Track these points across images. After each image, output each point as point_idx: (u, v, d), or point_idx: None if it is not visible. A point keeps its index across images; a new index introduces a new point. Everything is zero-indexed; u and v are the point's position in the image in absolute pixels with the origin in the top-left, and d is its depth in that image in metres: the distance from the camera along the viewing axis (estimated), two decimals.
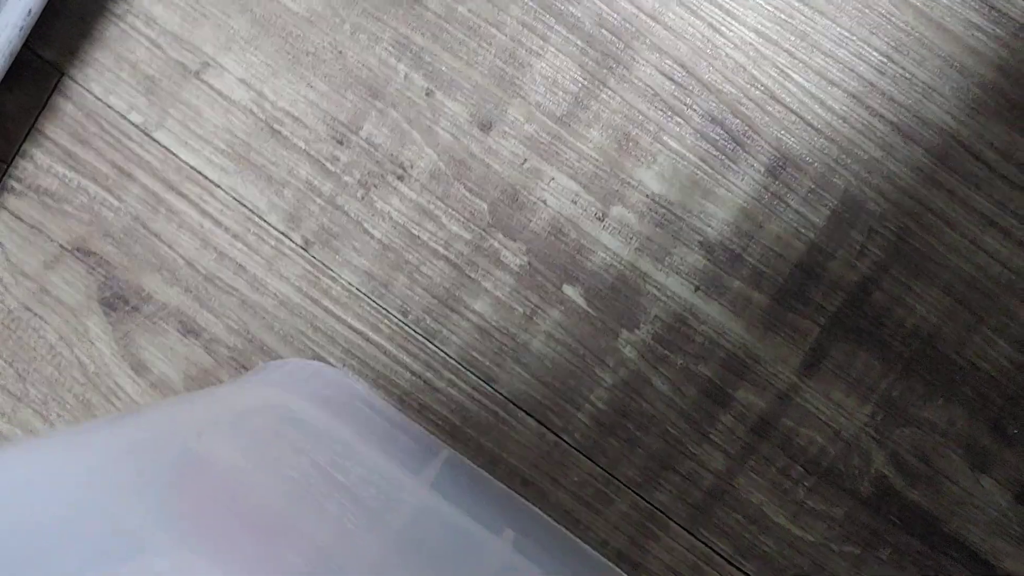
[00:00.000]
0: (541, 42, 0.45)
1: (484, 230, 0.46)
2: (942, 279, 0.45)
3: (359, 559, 0.37)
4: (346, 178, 0.47)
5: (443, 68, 0.46)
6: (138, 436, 0.35)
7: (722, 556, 0.47)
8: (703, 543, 0.47)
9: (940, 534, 0.46)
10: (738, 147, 0.45)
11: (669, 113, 0.45)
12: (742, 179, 0.45)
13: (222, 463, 0.38)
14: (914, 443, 0.46)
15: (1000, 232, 0.44)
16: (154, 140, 0.47)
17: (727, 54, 0.45)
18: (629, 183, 0.46)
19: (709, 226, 0.45)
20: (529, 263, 0.46)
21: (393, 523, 0.40)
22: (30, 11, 0.42)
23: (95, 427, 0.34)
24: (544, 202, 0.46)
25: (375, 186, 0.47)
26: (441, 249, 0.47)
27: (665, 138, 0.45)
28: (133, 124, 0.47)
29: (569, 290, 0.46)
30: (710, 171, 0.45)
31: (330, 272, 0.47)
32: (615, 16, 0.45)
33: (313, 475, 0.41)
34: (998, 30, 0.43)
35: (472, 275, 0.47)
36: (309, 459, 0.41)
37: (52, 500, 0.28)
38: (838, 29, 0.44)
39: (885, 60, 0.44)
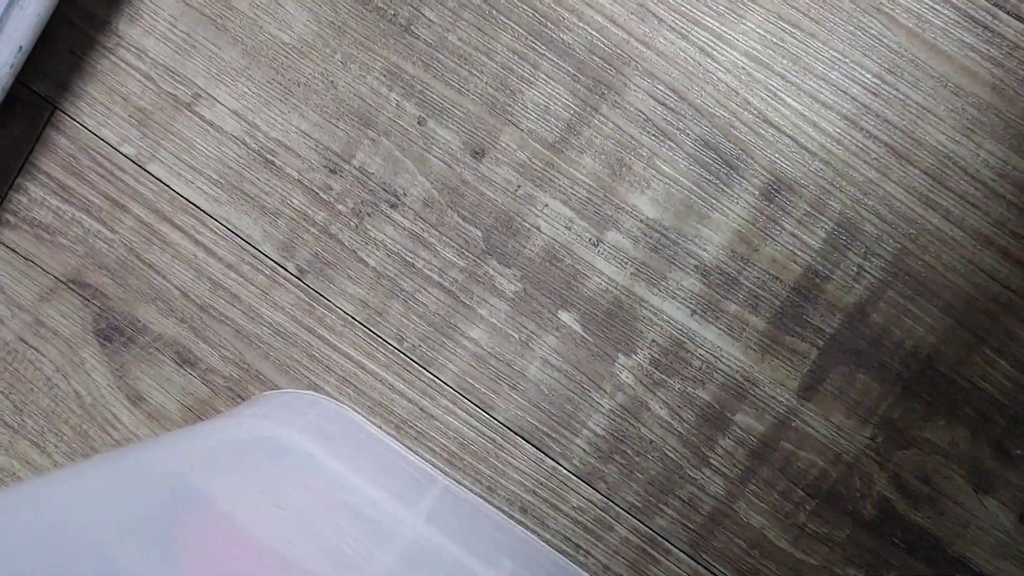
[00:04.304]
0: (532, 69, 0.45)
1: (478, 257, 0.46)
2: (941, 299, 0.45)
3: None
4: (340, 207, 0.47)
5: (435, 96, 0.46)
6: (133, 474, 0.35)
7: None
8: (704, 568, 0.47)
9: (945, 556, 0.46)
10: (732, 171, 0.45)
11: (662, 138, 0.45)
12: (736, 203, 0.45)
13: (219, 499, 0.37)
14: (916, 465, 0.45)
15: (998, 251, 0.44)
16: (147, 172, 0.47)
17: (719, 78, 0.44)
18: (623, 208, 0.45)
19: (704, 250, 0.45)
20: (524, 289, 0.46)
21: (388, 559, 0.40)
22: (21, 48, 0.42)
23: (88, 466, 0.34)
24: (538, 228, 0.46)
25: (369, 215, 0.47)
26: (436, 277, 0.47)
27: (658, 163, 0.45)
28: (126, 156, 0.47)
29: (565, 316, 0.46)
30: (704, 195, 0.45)
31: (325, 301, 0.47)
32: (606, 42, 0.45)
33: (309, 509, 0.40)
34: (992, 50, 0.43)
35: (467, 302, 0.47)
36: (305, 492, 0.41)
37: (49, 544, 0.27)
38: (830, 51, 0.44)
39: (878, 82, 0.44)
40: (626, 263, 0.46)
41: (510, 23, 0.45)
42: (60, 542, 0.28)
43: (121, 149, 0.47)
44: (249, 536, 0.37)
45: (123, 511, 0.32)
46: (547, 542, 0.47)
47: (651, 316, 0.46)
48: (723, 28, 0.44)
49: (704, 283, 0.45)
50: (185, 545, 0.34)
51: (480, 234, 0.46)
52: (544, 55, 0.45)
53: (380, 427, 0.47)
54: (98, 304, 0.48)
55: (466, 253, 0.46)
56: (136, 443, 0.47)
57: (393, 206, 0.46)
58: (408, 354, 0.47)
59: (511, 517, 0.47)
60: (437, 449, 0.47)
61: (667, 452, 0.46)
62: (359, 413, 0.47)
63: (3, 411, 0.49)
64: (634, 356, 0.46)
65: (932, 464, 0.45)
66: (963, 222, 0.44)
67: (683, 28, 0.44)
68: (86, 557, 0.29)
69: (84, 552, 0.29)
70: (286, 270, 0.47)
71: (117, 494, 0.33)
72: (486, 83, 0.45)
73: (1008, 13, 0.43)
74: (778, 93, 0.44)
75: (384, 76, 0.46)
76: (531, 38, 0.45)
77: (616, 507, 0.47)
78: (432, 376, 0.47)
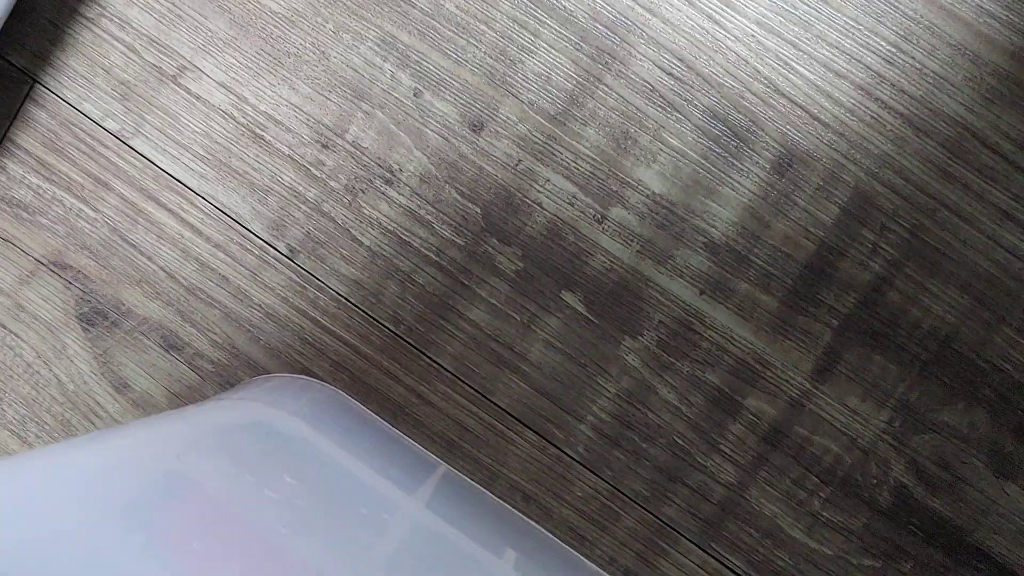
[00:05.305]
0: (532, 38, 0.43)
1: (477, 235, 0.44)
2: (959, 277, 0.43)
3: None
4: (332, 183, 0.45)
5: (431, 67, 0.44)
6: (118, 457, 0.33)
7: (735, 572, 0.45)
8: (715, 558, 0.45)
9: (964, 545, 0.44)
10: (742, 144, 0.43)
11: (669, 109, 0.43)
12: (747, 177, 0.43)
13: (206, 484, 0.36)
14: (934, 450, 0.44)
15: (1018, 227, 0.42)
16: (131, 148, 0.45)
17: (728, 47, 0.43)
18: (629, 183, 0.43)
19: (713, 227, 0.43)
20: (525, 269, 0.44)
21: (387, 546, 0.38)
22: None
23: (72, 447, 0.32)
24: (540, 205, 0.44)
25: (363, 191, 0.45)
26: (433, 256, 0.45)
27: (665, 135, 0.43)
28: (108, 132, 0.45)
29: (568, 296, 0.44)
30: (713, 169, 0.43)
31: (317, 282, 0.45)
32: (610, 9, 0.43)
33: (302, 497, 0.39)
34: (1012, 16, 0.41)
35: (466, 282, 0.45)
36: (298, 480, 0.39)
37: (27, 527, 0.26)
38: (843, 18, 0.42)
39: (894, 50, 0.42)
40: (632, 240, 0.44)
41: None
42: (35, 526, 0.26)
43: (104, 124, 0.45)
44: (239, 524, 0.35)
45: (104, 495, 0.31)
46: (551, 532, 0.45)
47: (658, 296, 0.44)
48: None
49: (713, 261, 0.44)
50: (171, 532, 0.32)
51: (479, 211, 0.44)
52: (545, 23, 0.43)
53: (376, 413, 0.45)
54: (80, 287, 0.46)
55: (464, 231, 0.44)
56: (119, 425, 0.45)
57: (388, 182, 0.44)
58: (404, 337, 0.45)
59: (513, 507, 0.45)
60: (435, 437, 0.45)
61: (675, 438, 0.44)
62: (354, 398, 0.45)
63: None
64: (640, 338, 0.44)
65: (951, 449, 0.44)
66: (982, 196, 0.42)
67: None
68: (64, 543, 0.27)
69: (62, 538, 0.27)
70: (276, 250, 0.45)
71: (98, 477, 0.31)
72: (485, 53, 0.43)
73: None
74: (789, 62, 0.42)
75: (378, 46, 0.44)
76: (531, 5, 0.43)
77: (623, 496, 0.45)
78: (430, 360, 0.45)
